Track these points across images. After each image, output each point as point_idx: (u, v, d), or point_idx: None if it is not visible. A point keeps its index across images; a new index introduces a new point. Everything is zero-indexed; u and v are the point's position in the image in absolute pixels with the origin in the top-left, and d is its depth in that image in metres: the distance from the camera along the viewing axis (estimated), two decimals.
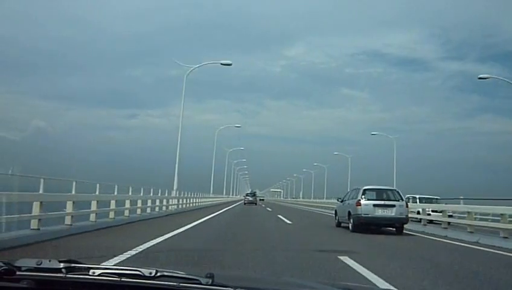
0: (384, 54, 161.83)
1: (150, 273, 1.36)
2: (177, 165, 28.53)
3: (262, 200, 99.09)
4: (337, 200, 19.45)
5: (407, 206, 15.51)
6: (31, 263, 1.41)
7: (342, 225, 17.12)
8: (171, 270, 1.39)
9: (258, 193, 78.36)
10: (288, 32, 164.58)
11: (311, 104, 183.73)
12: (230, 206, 39.53)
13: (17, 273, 1.37)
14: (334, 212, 19.87)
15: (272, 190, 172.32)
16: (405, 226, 15.46)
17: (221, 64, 29.53)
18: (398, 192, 16.08)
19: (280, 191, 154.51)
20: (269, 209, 37.64)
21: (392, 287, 5.39)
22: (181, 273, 1.38)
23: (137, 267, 1.41)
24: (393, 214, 14.96)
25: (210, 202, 43.87)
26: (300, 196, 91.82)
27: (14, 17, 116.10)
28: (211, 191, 51.90)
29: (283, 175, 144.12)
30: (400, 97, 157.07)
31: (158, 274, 1.36)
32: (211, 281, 1.33)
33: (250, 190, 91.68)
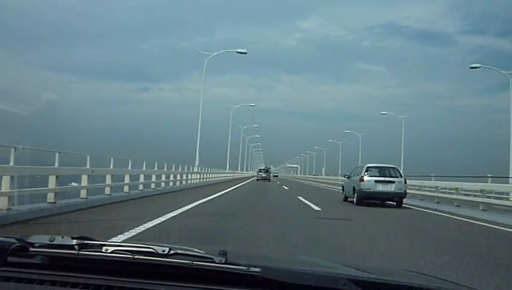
0: (402, 27, 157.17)
1: (163, 251, 1.35)
2: (198, 144, 31.14)
3: (276, 176, 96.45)
4: (344, 176, 21.31)
5: (405, 182, 17.29)
6: (44, 239, 1.40)
7: (349, 199, 18.95)
8: (184, 248, 1.39)
9: (272, 169, 75.58)
10: (303, 2, 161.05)
11: (327, 79, 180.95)
12: (241, 183, 37.02)
13: (30, 249, 1.37)
14: (341, 187, 21.73)
15: (288, 165, 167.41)
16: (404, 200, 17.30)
17: (237, 52, 32.61)
18: (397, 169, 17.85)
19: (297, 167, 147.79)
20: (285, 188, 33.68)
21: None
22: (194, 251, 1.38)
23: (151, 245, 1.39)
24: (392, 189, 16.75)
25: (225, 177, 45.65)
26: (323, 172, 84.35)
27: None
28: (227, 167, 53.31)
29: (297, 151, 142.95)
30: (417, 72, 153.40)
31: (171, 252, 1.35)
32: (224, 259, 1.31)
33: (263, 166, 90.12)
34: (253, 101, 57.39)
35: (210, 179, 34.80)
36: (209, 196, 17.09)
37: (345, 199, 19.44)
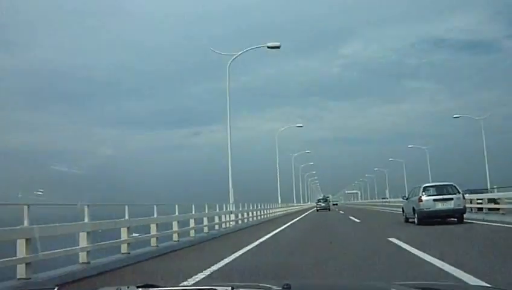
0: (446, 40, 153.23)
1: (226, 289, 1.36)
2: (230, 175, 25.26)
3: (336, 204, 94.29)
4: (402, 198, 21.93)
5: (463, 198, 17.80)
6: None
7: (409, 220, 19.51)
8: (246, 284, 1.44)
9: (330, 197, 72.12)
10: (342, 28, 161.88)
11: (375, 101, 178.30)
12: (298, 217, 33.98)
13: None
14: (401, 209, 22.32)
15: (347, 192, 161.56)
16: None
17: (268, 47, 25.75)
18: (455, 186, 18.36)
19: (357, 193, 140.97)
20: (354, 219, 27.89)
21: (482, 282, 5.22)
22: (259, 286, 1.42)
23: (213, 286, 1.41)
24: (451, 206, 17.29)
25: (276, 213, 40.49)
26: (386, 194, 77.47)
27: (66, 48, 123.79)
28: (279, 201, 49.17)
29: (353, 177, 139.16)
30: (468, 83, 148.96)
31: None
32: None
33: (322, 195, 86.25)
34: (304, 133, 57.69)
35: (252, 219, 28.24)
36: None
37: (406, 220, 20.00)
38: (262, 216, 31.84)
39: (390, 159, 76.57)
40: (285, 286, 1.34)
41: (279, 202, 49.11)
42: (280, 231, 18.86)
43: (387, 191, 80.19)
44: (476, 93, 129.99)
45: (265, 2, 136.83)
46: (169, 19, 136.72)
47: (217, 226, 18.97)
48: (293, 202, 63.68)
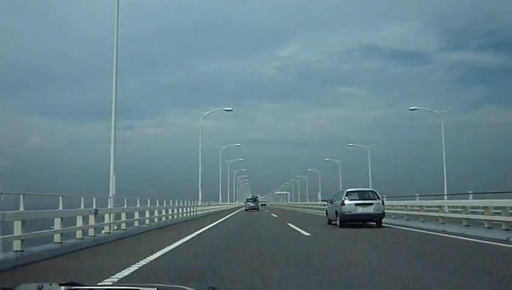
0: (381, 48, 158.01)
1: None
2: (200, 180, 29.63)
3: (264, 205, 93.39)
4: (327, 201, 22.85)
5: (383, 203, 18.93)
6: (32, 288, 1.40)
7: (332, 222, 20.40)
8: (171, 286, 1.41)
9: (259, 197, 70.29)
10: (280, 30, 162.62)
11: (308, 105, 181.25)
12: (228, 215, 34.96)
13: None
14: (325, 212, 23.23)
15: (276, 192, 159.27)
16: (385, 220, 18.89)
17: (225, 110, 42.21)
18: (375, 192, 19.48)
19: (287, 194, 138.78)
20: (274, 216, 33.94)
21: None
22: (183, 289, 1.37)
23: (138, 286, 1.41)
24: (371, 211, 18.33)
25: (214, 209, 44.45)
26: (319, 197, 69.26)
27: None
28: (200, 198, 44.07)
29: (284, 179, 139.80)
30: (400, 92, 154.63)
31: None
32: None
33: (250, 195, 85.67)
34: (236, 132, 59.00)
35: (201, 212, 35.13)
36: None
37: (329, 223, 20.89)
38: (169, 217, 24.18)
39: (326, 159, 75.41)
40: (210, 288, 1.35)
41: (220, 200, 49.51)
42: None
43: (319, 193, 76.13)
44: (407, 102, 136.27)
45: None
46: (107, 9, 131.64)
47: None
48: (219, 201, 59.77)
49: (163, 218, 22.33)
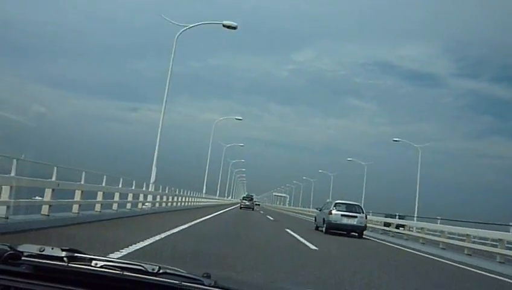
0: (396, 67, 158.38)
1: (153, 269, 1.37)
2: (156, 152, 23.48)
3: (258, 205, 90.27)
4: (316, 209, 24.92)
5: (366, 218, 20.97)
6: (34, 249, 1.42)
7: (319, 228, 22.40)
8: (173, 268, 1.41)
9: (254, 197, 66.67)
10: (299, 34, 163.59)
11: (316, 112, 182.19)
12: (222, 211, 34.04)
13: (22, 258, 1.39)
14: (314, 218, 25.29)
15: (275, 194, 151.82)
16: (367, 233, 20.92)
17: (224, 25, 23.98)
18: (360, 206, 21.54)
19: (286, 197, 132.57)
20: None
21: None
22: (183, 272, 1.41)
23: (141, 262, 1.42)
24: (355, 222, 20.34)
25: (202, 203, 41.43)
26: (311, 204, 73.17)
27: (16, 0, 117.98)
28: (204, 191, 48.09)
29: (282, 182, 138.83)
30: (408, 112, 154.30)
31: (161, 271, 1.37)
32: (213, 282, 1.35)
33: (246, 193, 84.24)
34: (241, 129, 59.50)
35: (175, 204, 28.80)
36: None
37: (316, 228, 22.91)
38: (183, 203, 30.98)
39: (320, 171, 78.20)
40: (204, 275, 1.40)
41: (204, 192, 48.00)
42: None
43: (311, 201, 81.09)
44: (414, 123, 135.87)
45: None
46: None
47: (129, 205, 17.64)
48: (216, 195, 62.71)
49: (174, 203, 27.33)
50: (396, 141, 45.44)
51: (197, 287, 1.34)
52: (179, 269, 1.42)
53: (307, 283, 6.63)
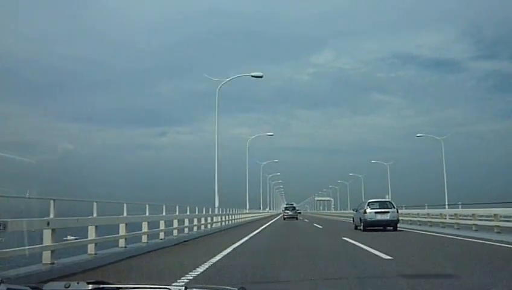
0: (416, 57, 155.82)
1: (179, 289, 1.40)
2: (216, 182, 28.39)
3: (300, 213, 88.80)
4: (353, 210, 27.45)
5: (397, 211, 23.41)
6: (59, 286, 1.44)
7: (358, 227, 24.88)
8: (201, 286, 1.54)
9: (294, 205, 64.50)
10: (315, 37, 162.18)
11: (343, 112, 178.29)
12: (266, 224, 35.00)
13: None
14: (352, 219, 27.82)
15: (317, 198, 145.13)
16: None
17: (252, 76, 28.76)
18: (391, 202, 24.11)
19: (330, 200, 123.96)
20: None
21: None
22: (212, 287, 1.57)
23: (167, 285, 1.45)
24: (388, 217, 22.82)
25: (248, 218, 43.60)
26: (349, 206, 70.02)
27: (32, 37, 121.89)
28: (247, 207, 50.86)
29: (319, 187, 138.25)
30: (434, 100, 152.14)
31: None
32: None
33: (285, 203, 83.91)
34: (271, 139, 59.96)
35: (231, 222, 31.88)
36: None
37: (355, 228, 25.42)
38: (237, 220, 35.43)
39: (351, 174, 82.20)
40: (240, 288, 1.45)
41: (247, 207, 50.48)
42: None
43: (348, 202, 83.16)
44: (441, 111, 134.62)
45: (241, 4, 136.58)
46: (143, 17, 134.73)
47: (202, 227, 22.01)
48: (259, 209, 66.83)
49: (227, 222, 29.44)
50: (419, 136, 47.44)
51: None
52: (207, 286, 1.44)
53: None
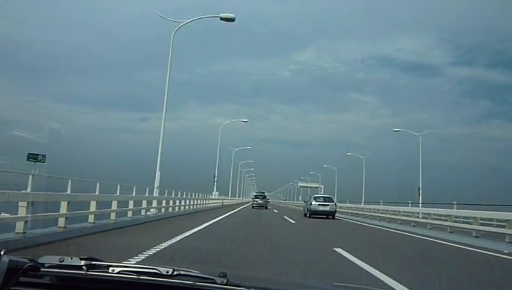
0: (394, 59, 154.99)
1: (167, 271, 1.43)
2: (159, 155, 23.82)
3: (268, 202, 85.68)
4: (303, 201, 34.84)
5: (335, 205, 30.79)
6: (54, 260, 1.47)
7: (306, 215, 31.98)
8: (187, 269, 1.48)
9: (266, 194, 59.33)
10: (299, 36, 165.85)
11: (320, 109, 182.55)
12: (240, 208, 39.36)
13: (41, 269, 1.43)
14: (302, 208, 35.11)
15: (301, 185, 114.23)
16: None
17: (221, 19, 24.30)
18: (331, 198, 31.69)
19: (319, 187, 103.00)
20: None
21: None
22: (196, 273, 1.48)
23: (155, 266, 1.48)
24: (328, 209, 30.07)
25: (213, 204, 42.32)
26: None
27: (29, 23, 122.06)
28: (214, 190, 49.45)
29: (290, 179, 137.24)
30: (409, 102, 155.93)
31: (175, 273, 1.43)
32: (225, 280, 1.40)
33: (256, 191, 77.05)
34: (248, 131, 60.87)
35: (182, 208, 27.97)
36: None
37: (304, 215, 32.58)
38: (191, 207, 30.68)
39: (325, 166, 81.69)
40: (221, 275, 1.45)
41: (214, 190, 49.52)
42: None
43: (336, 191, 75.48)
44: (413, 113, 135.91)
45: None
46: (135, 11, 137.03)
47: (129, 213, 16.50)
48: (228, 196, 66.15)
49: (187, 207, 28.83)
50: (397, 131, 45.95)
51: (210, 287, 1.41)
52: (192, 270, 1.51)
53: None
